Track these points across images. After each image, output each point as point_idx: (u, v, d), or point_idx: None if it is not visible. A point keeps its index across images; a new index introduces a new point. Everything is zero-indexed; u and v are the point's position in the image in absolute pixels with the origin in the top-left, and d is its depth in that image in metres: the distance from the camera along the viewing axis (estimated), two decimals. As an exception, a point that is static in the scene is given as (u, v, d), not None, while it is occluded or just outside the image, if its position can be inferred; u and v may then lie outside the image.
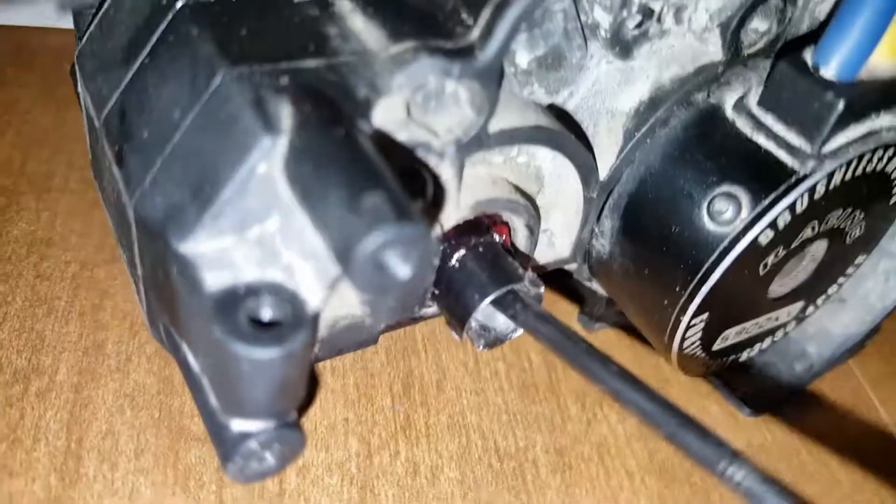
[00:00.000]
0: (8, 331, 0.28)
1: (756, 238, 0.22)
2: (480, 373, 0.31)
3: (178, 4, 0.20)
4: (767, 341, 0.29)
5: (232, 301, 0.17)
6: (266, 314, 0.17)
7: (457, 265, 0.23)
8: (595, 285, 0.30)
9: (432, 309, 0.26)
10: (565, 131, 0.23)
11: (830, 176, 0.23)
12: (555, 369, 0.31)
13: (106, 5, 0.23)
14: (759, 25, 0.25)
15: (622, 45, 0.24)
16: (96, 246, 0.32)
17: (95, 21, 0.24)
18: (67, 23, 0.43)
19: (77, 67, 0.24)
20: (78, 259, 0.31)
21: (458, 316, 0.23)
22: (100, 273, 0.31)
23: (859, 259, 0.29)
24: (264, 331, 0.17)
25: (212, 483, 0.25)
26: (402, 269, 0.16)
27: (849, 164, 0.23)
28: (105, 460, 0.25)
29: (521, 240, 0.25)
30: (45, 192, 0.34)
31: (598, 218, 0.26)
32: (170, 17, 0.21)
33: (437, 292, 0.23)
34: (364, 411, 0.28)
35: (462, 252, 0.23)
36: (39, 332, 0.28)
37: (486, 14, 0.20)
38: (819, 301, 0.29)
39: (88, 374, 0.27)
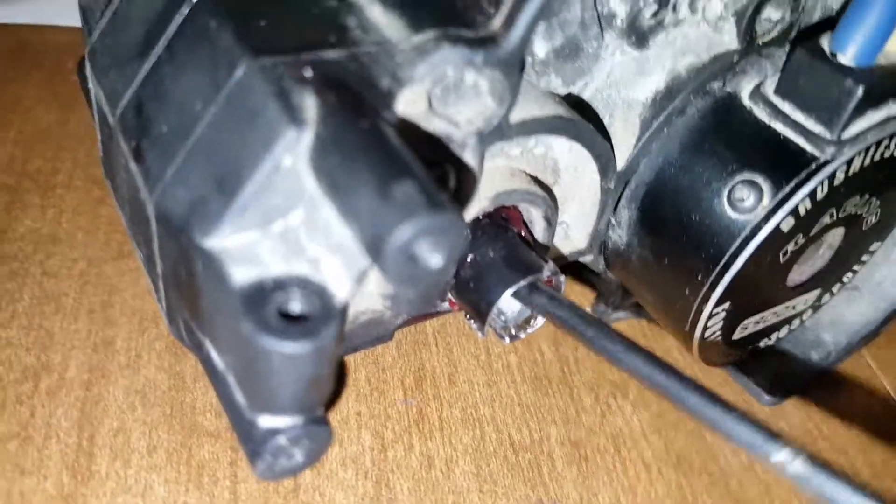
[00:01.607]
0: (17, 328, 0.28)
1: (778, 225, 0.22)
2: (492, 366, 0.30)
3: (196, -3, 0.20)
4: (784, 330, 0.29)
5: (260, 295, 0.17)
6: (295, 308, 0.17)
7: (477, 257, 0.23)
8: (610, 277, 0.30)
9: (447, 304, 0.25)
10: (583, 121, 0.23)
11: (849, 162, 0.23)
12: (567, 362, 0.31)
13: (117, 1, 0.23)
14: (773, 14, 0.25)
15: (638, 35, 0.24)
16: (103, 243, 0.32)
17: (107, 16, 0.23)
18: (69, 21, 0.43)
19: (88, 63, 0.24)
20: (85, 256, 0.31)
21: (479, 309, 0.23)
22: (107, 269, 0.31)
23: (874, 246, 0.29)
24: (294, 324, 0.16)
25: (226, 479, 0.25)
26: (433, 258, 0.15)
27: (867, 150, 0.23)
28: (117, 457, 0.25)
29: (538, 231, 0.25)
30: (49, 189, 0.34)
31: (615, 209, 0.26)
32: (186, 10, 0.20)
33: (456, 286, 0.23)
34: (377, 405, 0.28)
35: (482, 244, 0.23)
36: (48, 330, 0.28)
37: (507, 3, 0.19)
38: (835, 289, 0.29)
39: (98, 371, 0.27)
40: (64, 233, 0.32)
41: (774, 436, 0.17)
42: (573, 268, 0.29)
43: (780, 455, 0.17)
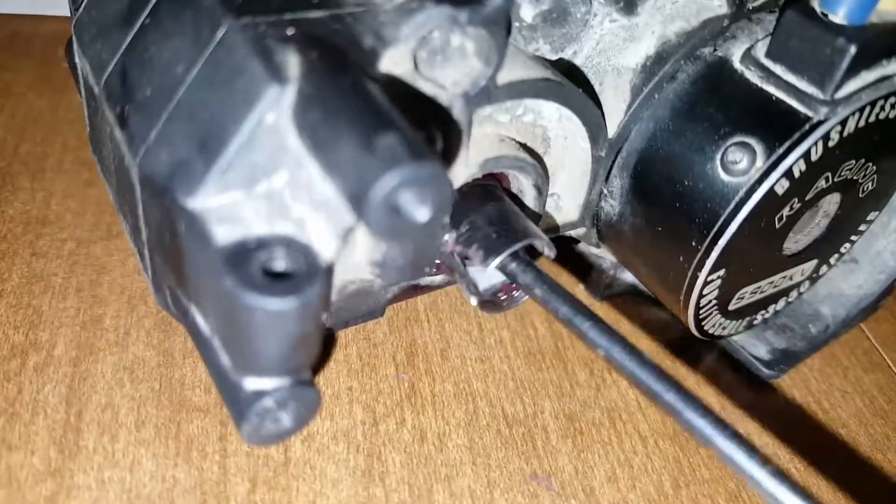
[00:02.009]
0: (5, 307, 0.28)
1: (772, 187, 0.22)
2: (485, 341, 0.30)
3: (178, -38, 0.20)
4: (782, 302, 0.29)
5: (243, 253, 0.17)
6: (279, 265, 0.17)
7: (466, 226, 0.22)
8: (603, 251, 0.30)
9: (439, 278, 0.25)
10: (572, 85, 0.23)
11: (844, 123, 0.22)
12: (561, 337, 0.31)
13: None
14: (764, -22, 0.25)
15: (626, 1, 0.24)
16: (92, 224, 0.32)
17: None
18: (59, 10, 0.43)
19: (74, 37, 0.23)
20: (74, 237, 0.31)
21: (470, 278, 0.22)
22: (96, 249, 0.31)
23: (871, 216, 0.29)
24: (278, 282, 0.16)
25: (215, 453, 0.25)
26: (419, 210, 0.15)
27: (861, 110, 0.23)
28: (105, 433, 0.25)
29: (529, 200, 0.24)
30: (39, 172, 0.34)
31: (607, 178, 0.26)
32: (170, -24, 0.20)
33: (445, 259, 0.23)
34: (368, 380, 0.28)
35: (470, 212, 0.22)
36: (37, 308, 0.28)
37: (492, -40, 0.19)
38: (832, 260, 0.29)
39: (87, 348, 0.27)
40: (53, 214, 0.32)
41: (750, 447, 0.17)
42: (564, 253, 0.28)
43: (752, 468, 0.17)
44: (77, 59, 0.24)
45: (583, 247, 0.31)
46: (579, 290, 0.32)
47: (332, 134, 0.16)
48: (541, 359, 0.30)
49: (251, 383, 0.18)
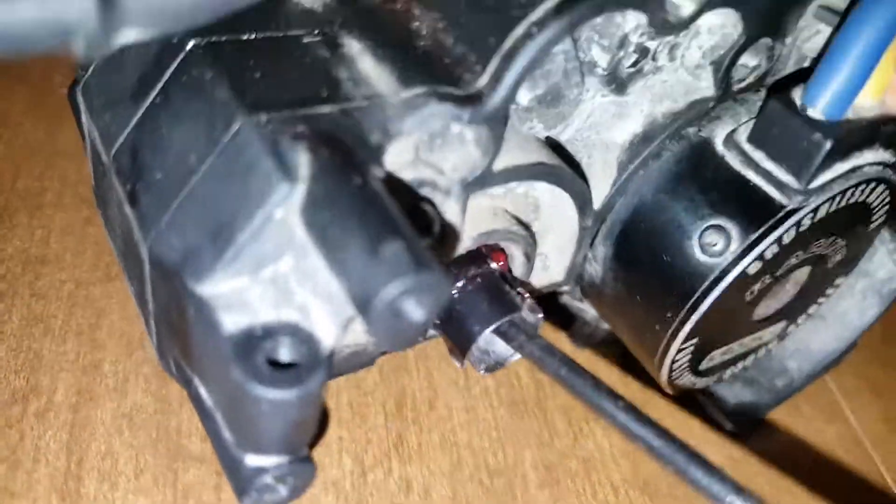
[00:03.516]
0: (5, 350, 0.28)
1: (745, 269, 0.23)
2: (471, 390, 0.31)
3: (190, 44, 0.21)
4: (751, 359, 0.30)
5: (250, 343, 0.18)
6: (284, 356, 0.18)
7: (458, 295, 0.23)
8: (585, 305, 0.31)
9: (430, 332, 0.26)
10: (564, 166, 0.24)
11: (816, 210, 0.24)
12: (542, 386, 0.32)
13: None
14: (749, 61, 0.26)
15: (618, 83, 0.25)
16: (91, 264, 0.32)
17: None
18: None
19: (81, 98, 0.24)
20: (73, 277, 0.32)
21: (459, 344, 0.23)
22: (95, 291, 0.31)
23: (839, 280, 0.30)
24: (282, 372, 0.17)
25: (210, 503, 0.26)
26: (416, 313, 0.16)
27: (833, 198, 0.24)
28: (105, 480, 0.26)
29: (518, 267, 0.26)
30: (37, 208, 0.34)
31: (592, 244, 0.27)
32: (181, 56, 0.21)
33: (438, 321, 0.24)
34: (357, 430, 0.29)
35: (463, 282, 0.24)
36: (37, 352, 0.29)
37: (494, 62, 0.20)
38: (800, 320, 0.30)
39: (87, 393, 0.28)
40: (52, 253, 0.32)
41: (734, 484, 0.18)
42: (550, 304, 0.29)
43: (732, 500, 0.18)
44: (84, 120, 0.24)
45: (566, 299, 0.32)
46: (562, 339, 0.34)
47: (340, 235, 0.17)
48: (523, 408, 0.31)
49: (252, 460, 0.19)
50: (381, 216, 0.17)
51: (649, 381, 0.32)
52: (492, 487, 0.28)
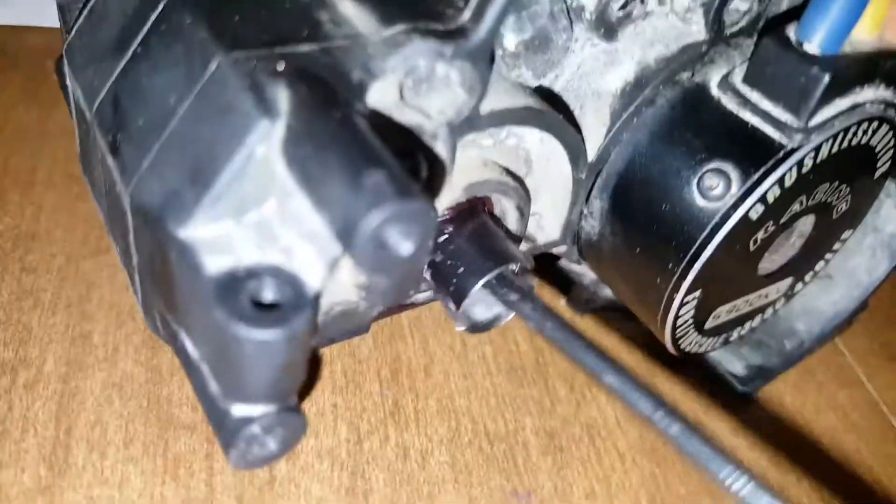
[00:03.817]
0: (-6, 324, 0.28)
1: (747, 213, 0.23)
2: (468, 357, 0.31)
3: (169, -7, 0.20)
4: (758, 319, 0.30)
5: (233, 284, 0.17)
6: (267, 296, 0.17)
7: (451, 247, 0.23)
8: (583, 268, 0.30)
9: (423, 295, 0.26)
10: (554, 112, 0.23)
11: (817, 149, 0.23)
12: (542, 353, 0.31)
13: (93, -2, 0.23)
14: (741, 4, 0.25)
15: (607, 27, 0.24)
16: (81, 239, 0.32)
17: (84, 14, 0.24)
18: (46, 21, 0.43)
19: (66, 61, 0.24)
20: (63, 252, 0.31)
21: (453, 299, 0.23)
22: (86, 265, 0.31)
23: (845, 234, 0.29)
24: (266, 312, 0.17)
25: (202, 471, 0.25)
26: (403, 245, 0.16)
27: (835, 136, 0.23)
28: (94, 450, 0.25)
29: (511, 222, 0.25)
30: (28, 187, 0.34)
31: (587, 199, 0.26)
32: (161, 6, 0.21)
33: (429, 277, 0.23)
34: (352, 397, 0.28)
35: (451, 234, 0.23)
36: (26, 325, 0.28)
37: (477, -6, 0.20)
38: (807, 278, 0.30)
39: (76, 364, 0.27)
40: (43, 230, 0.32)
41: (724, 454, 0.17)
42: (546, 267, 0.29)
43: (727, 473, 0.17)
44: (69, 83, 0.24)
45: (564, 263, 0.31)
46: (561, 305, 0.33)
47: (321, 169, 0.17)
48: (522, 375, 0.30)
49: (239, 410, 0.18)
50: (362, 147, 0.17)
51: (652, 356, 0.32)
52: (492, 454, 0.28)
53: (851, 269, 0.31)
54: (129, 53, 0.21)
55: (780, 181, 0.23)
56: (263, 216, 0.18)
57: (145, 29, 0.21)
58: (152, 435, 0.26)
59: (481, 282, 0.22)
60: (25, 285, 0.30)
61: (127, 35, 0.21)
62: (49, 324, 0.29)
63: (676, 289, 0.24)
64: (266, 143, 0.17)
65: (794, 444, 0.30)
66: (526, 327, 0.31)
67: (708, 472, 0.18)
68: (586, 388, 0.30)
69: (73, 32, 0.24)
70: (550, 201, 0.26)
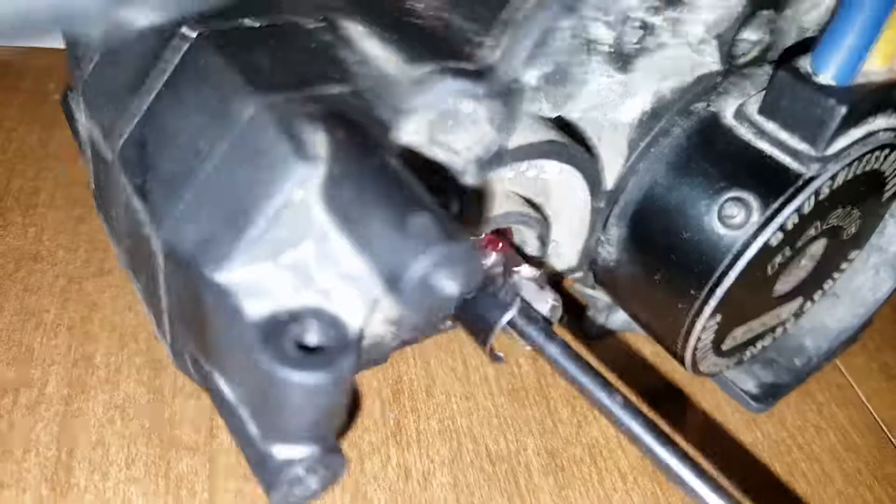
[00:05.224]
0: (-3, 344, 0.28)
1: (768, 240, 0.23)
2: (470, 378, 0.31)
3: (194, 35, 0.20)
4: (769, 338, 0.30)
5: (276, 328, 0.17)
6: (312, 339, 0.17)
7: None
8: (597, 292, 0.30)
9: (443, 325, 0.26)
10: (575, 144, 0.24)
11: (833, 177, 0.23)
12: (544, 374, 0.32)
13: (109, 38, 0.23)
14: (752, 35, 0.26)
15: (622, 59, 0.24)
16: (84, 260, 0.32)
17: (99, 53, 0.23)
18: (49, 43, 0.42)
19: (81, 98, 0.24)
20: (66, 273, 0.31)
21: (479, 331, 0.23)
22: (88, 286, 0.31)
23: (852, 255, 0.30)
24: (311, 356, 0.17)
25: (203, 492, 0.25)
26: (449, 286, 0.16)
27: (850, 164, 0.24)
28: (96, 470, 0.25)
29: (532, 251, 0.25)
30: (31, 208, 0.34)
31: (605, 227, 0.26)
32: (186, 47, 0.20)
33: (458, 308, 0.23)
34: (354, 418, 0.28)
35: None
36: (28, 345, 0.28)
37: (505, 36, 0.20)
38: (816, 297, 0.30)
39: (78, 385, 0.27)
40: (45, 250, 0.32)
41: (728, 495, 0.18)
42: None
43: None
44: (83, 120, 0.24)
45: (578, 287, 0.32)
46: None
47: (363, 213, 0.17)
48: (524, 396, 0.31)
49: (280, 451, 0.18)
50: (404, 191, 0.17)
51: (654, 385, 0.32)
52: (494, 474, 0.28)
53: (856, 288, 0.32)
54: (153, 94, 0.21)
55: (799, 209, 0.23)
56: (299, 258, 0.18)
57: (170, 69, 0.21)
58: (154, 456, 0.26)
59: (506, 316, 0.22)
60: (28, 306, 0.30)
61: (148, 75, 0.21)
62: (51, 345, 0.29)
63: (699, 314, 0.25)
64: (303, 187, 0.17)
65: (794, 465, 0.31)
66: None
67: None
68: (588, 410, 0.30)
69: (90, 72, 0.23)
70: (568, 229, 0.27)
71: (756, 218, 0.23)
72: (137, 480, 0.25)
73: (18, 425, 0.26)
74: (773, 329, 0.30)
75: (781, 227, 0.23)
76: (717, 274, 0.24)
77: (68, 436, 0.26)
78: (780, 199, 0.23)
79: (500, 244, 0.24)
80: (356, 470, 0.27)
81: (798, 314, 0.30)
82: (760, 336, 0.29)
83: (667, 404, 0.31)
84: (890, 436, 0.32)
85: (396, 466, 0.27)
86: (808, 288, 0.29)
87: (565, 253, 0.27)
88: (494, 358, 0.23)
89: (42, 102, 0.40)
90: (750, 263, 0.23)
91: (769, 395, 0.31)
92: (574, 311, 0.33)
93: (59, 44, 0.42)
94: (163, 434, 0.26)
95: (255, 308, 0.17)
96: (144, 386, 0.28)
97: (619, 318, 0.32)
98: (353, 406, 0.29)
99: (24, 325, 0.29)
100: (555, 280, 0.28)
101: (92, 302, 0.30)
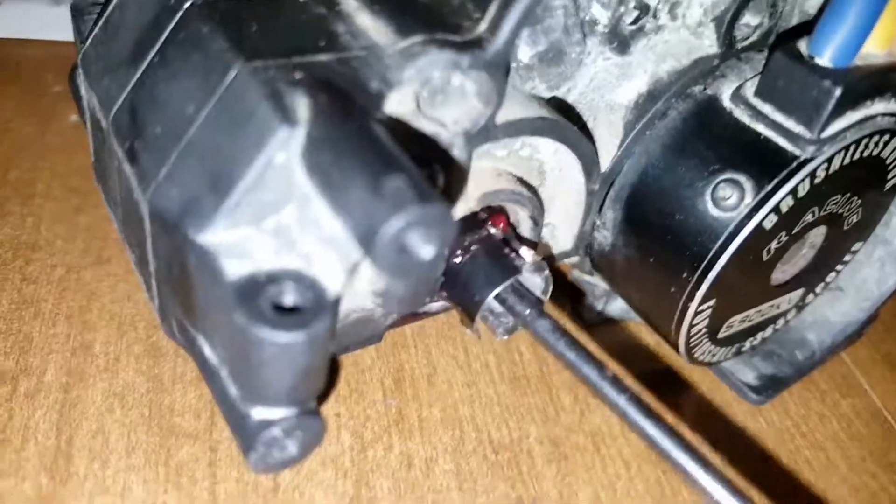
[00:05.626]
0: (-6, 334, 0.28)
1: (760, 223, 0.23)
2: (471, 366, 0.31)
3: (187, 4, 0.21)
4: (769, 329, 0.30)
5: (253, 288, 0.17)
6: (288, 300, 0.17)
7: (462, 259, 0.23)
8: (595, 279, 0.30)
9: (437, 305, 0.26)
10: (567, 123, 0.24)
11: (830, 160, 0.23)
12: (545, 362, 0.31)
13: (110, 7, 0.24)
14: (752, 20, 0.25)
15: (619, 41, 0.24)
16: (82, 249, 0.32)
17: (100, 23, 0.24)
18: (46, 34, 0.43)
19: (81, 69, 0.24)
20: (64, 262, 0.31)
21: (467, 311, 0.23)
22: (86, 275, 0.31)
23: (856, 246, 0.29)
24: (287, 316, 0.17)
25: (204, 479, 0.25)
26: (424, 249, 0.16)
27: (847, 148, 0.23)
28: (96, 459, 0.25)
29: (525, 231, 0.25)
30: (28, 198, 0.34)
31: (600, 210, 0.26)
32: (178, 15, 0.21)
33: (445, 282, 0.23)
34: (356, 406, 0.28)
35: (467, 245, 0.23)
36: (27, 334, 0.29)
37: (493, 8, 0.20)
38: (818, 289, 0.30)
39: (77, 374, 0.27)
40: (43, 240, 0.32)
41: (731, 486, 0.18)
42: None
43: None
44: (84, 92, 0.24)
45: (576, 274, 0.31)
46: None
47: (341, 175, 0.17)
48: (526, 384, 0.30)
49: (258, 413, 0.18)
50: (382, 153, 0.17)
51: (655, 371, 0.32)
52: (496, 462, 0.28)
53: (861, 281, 0.31)
54: (146, 62, 0.21)
55: (794, 191, 0.23)
56: (282, 222, 0.18)
57: (162, 38, 0.21)
58: (154, 444, 0.26)
59: (490, 296, 0.22)
60: (26, 295, 0.30)
61: (143, 44, 0.22)
62: (50, 334, 0.29)
63: (691, 298, 0.25)
64: (285, 150, 0.18)
65: (798, 454, 0.30)
66: (529, 336, 0.32)
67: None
68: (590, 397, 0.30)
69: (88, 41, 0.24)
70: (563, 212, 0.27)
71: (749, 199, 0.23)
72: (137, 469, 0.25)
73: (17, 414, 0.26)
74: (773, 320, 0.29)
75: (775, 210, 0.23)
76: (709, 256, 0.24)
77: (67, 424, 0.26)
78: (774, 181, 0.23)
79: (501, 222, 0.24)
80: (359, 458, 0.27)
81: (800, 306, 0.30)
82: (760, 327, 0.29)
83: (668, 392, 0.31)
84: (894, 424, 0.32)
85: (399, 455, 0.27)
86: (811, 279, 0.29)
87: (561, 236, 0.27)
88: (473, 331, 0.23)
89: (39, 94, 0.40)
90: (743, 246, 0.23)
91: (769, 387, 0.31)
92: (573, 298, 0.33)
93: (57, 36, 0.43)
94: (163, 422, 0.27)
95: (236, 269, 0.18)
96: (144, 374, 0.28)
97: (617, 306, 0.32)
98: (333, 373, 0.29)
99: (22, 314, 0.29)
100: (551, 265, 0.28)
101: (90, 291, 0.31)
